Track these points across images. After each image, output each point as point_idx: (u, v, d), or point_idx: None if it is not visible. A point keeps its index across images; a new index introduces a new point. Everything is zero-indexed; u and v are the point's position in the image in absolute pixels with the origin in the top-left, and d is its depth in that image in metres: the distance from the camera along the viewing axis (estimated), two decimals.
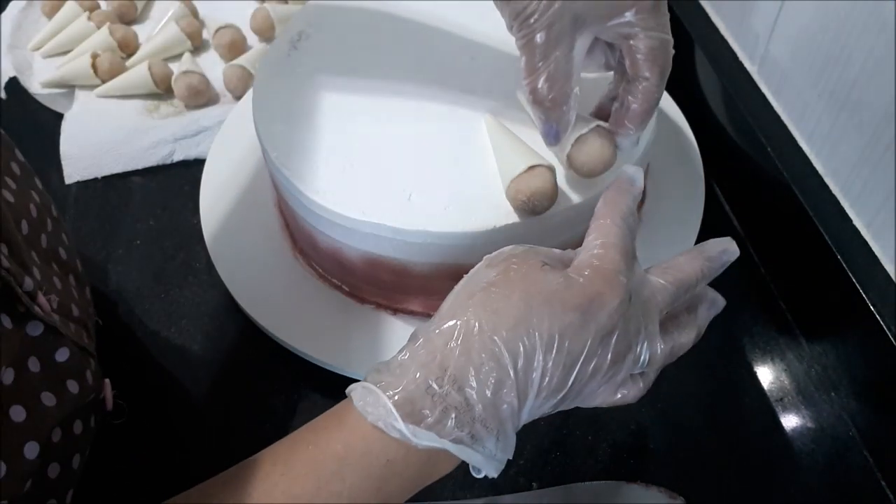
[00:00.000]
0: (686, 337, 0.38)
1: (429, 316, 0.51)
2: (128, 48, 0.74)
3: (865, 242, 0.49)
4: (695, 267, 0.38)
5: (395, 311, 0.52)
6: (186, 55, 0.72)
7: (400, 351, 0.34)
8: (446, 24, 0.56)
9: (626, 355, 0.34)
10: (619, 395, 0.36)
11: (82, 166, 0.66)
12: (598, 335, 0.33)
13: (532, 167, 0.42)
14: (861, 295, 0.47)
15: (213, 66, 0.73)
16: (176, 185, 0.65)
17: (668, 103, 0.62)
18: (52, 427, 0.35)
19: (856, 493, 0.48)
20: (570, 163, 0.43)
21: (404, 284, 0.49)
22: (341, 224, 0.47)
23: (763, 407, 0.51)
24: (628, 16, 0.39)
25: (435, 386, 0.32)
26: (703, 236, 0.55)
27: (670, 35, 0.40)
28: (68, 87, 0.72)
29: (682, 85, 0.63)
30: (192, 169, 0.65)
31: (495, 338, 0.32)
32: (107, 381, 0.44)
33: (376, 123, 0.50)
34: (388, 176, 0.47)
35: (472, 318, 0.33)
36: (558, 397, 0.33)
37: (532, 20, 0.39)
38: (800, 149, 0.54)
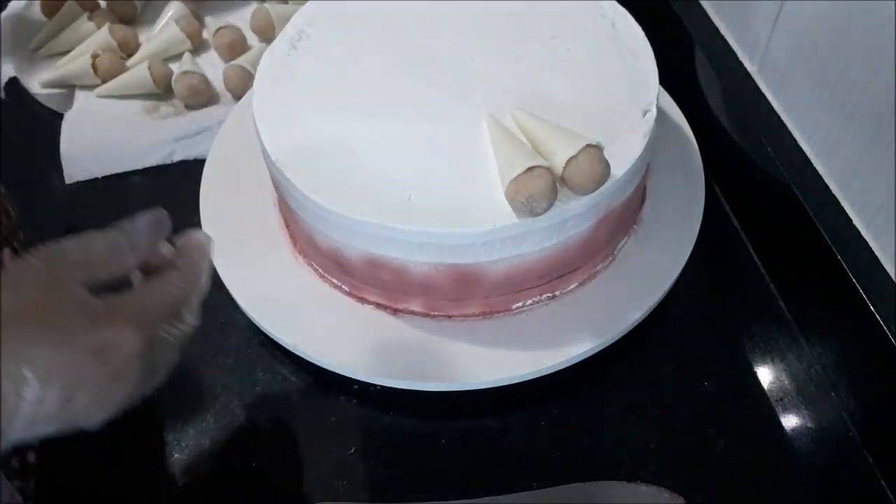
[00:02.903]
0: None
1: (429, 316, 0.52)
2: (128, 48, 0.74)
3: (865, 242, 0.49)
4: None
5: (395, 311, 0.52)
6: (186, 55, 0.72)
7: None
8: (447, 25, 0.56)
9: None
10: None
11: (82, 166, 0.66)
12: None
13: (531, 168, 0.42)
14: (861, 295, 0.47)
15: (213, 66, 0.73)
16: (176, 185, 0.65)
17: (668, 103, 0.62)
18: None
19: (856, 493, 0.48)
20: (565, 183, 0.44)
21: (404, 284, 0.49)
22: (341, 224, 0.47)
23: (763, 407, 0.51)
24: None
25: None
26: (703, 236, 0.55)
27: None
28: (68, 87, 0.72)
29: (682, 85, 0.63)
30: (192, 169, 0.64)
31: None
32: (5, 250, 0.45)
33: (376, 123, 0.50)
34: (388, 176, 0.47)
35: None
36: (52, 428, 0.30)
37: None
38: (800, 149, 0.54)
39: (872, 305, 0.46)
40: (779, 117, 0.56)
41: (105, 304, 0.33)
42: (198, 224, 0.57)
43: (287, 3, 0.76)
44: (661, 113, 0.51)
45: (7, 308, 0.30)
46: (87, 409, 0.31)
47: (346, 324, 0.52)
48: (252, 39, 0.75)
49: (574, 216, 0.46)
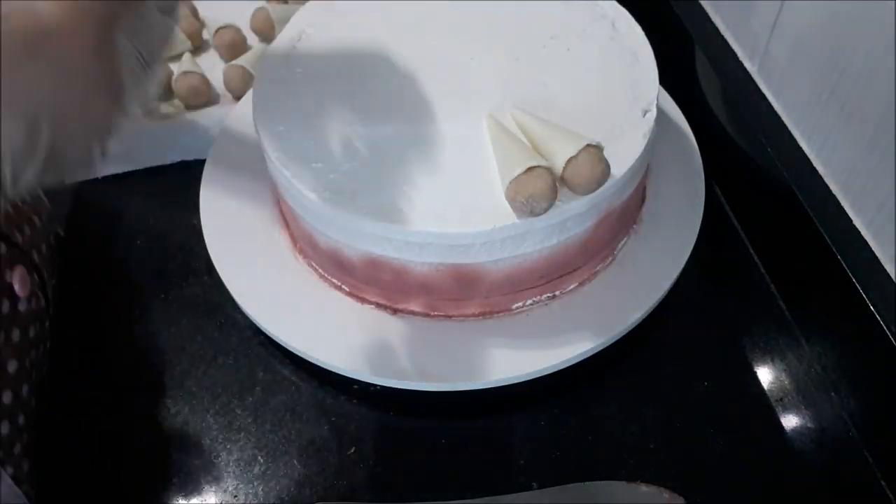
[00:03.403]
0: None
1: (429, 316, 0.52)
2: None
3: (865, 242, 0.49)
4: None
5: (395, 311, 0.52)
6: (186, 55, 0.72)
7: None
8: (446, 25, 0.56)
9: None
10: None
11: None
12: None
13: (531, 168, 0.42)
14: (861, 295, 0.47)
15: (213, 66, 0.73)
16: (176, 185, 0.65)
17: (668, 103, 0.62)
18: None
19: (856, 493, 0.48)
20: (565, 183, 0.44)
21: (404, 284, 0.49)
22: (341, 224, 0.47)
23: (763, 407, 0.51)
24: None
25: None
26: (703, 236, 0.55)
27: None
28: None
29: (682, 85, 0.63)
30: (192, 169, 0.64)
31: None
32: (19, 267, 0.45)
33: (376, 123, 0.50)
34: (388, 176, 0.47)
35: None
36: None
37: None
38: (800, 149, 0.54)
39: (872, 305, 0.46)
40: (779, 117, 0.56)
41: None
42: (198, 224, 0.57)
43: (287, 3, 0.76)
44: (661, 113, 0.51)
45: None
46: (62, 141, 0.27)
47: (346, 324, 0.52)
48: (252, 39, 0.75)
49: (574, 216, 0.46)
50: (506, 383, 0.49)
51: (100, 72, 0.28)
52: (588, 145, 0.43)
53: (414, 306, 0.52)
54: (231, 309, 0.55)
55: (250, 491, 0.48)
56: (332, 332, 0.51)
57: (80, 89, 0.27)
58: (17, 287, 0.45)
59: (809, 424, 0.50)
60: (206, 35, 0.76)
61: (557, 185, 0.43)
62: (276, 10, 0.74)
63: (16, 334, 0.44)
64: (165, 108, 0.70)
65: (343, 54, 0.54)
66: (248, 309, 0.53)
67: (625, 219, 0.53)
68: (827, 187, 0.52)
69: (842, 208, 0.51)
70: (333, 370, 0.50)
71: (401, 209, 0.45)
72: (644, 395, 0.52)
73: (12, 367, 0.42)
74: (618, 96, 0.50)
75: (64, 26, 0.26)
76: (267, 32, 0.74)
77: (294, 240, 0.56)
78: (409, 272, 0.48)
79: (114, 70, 0.29)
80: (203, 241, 0.56)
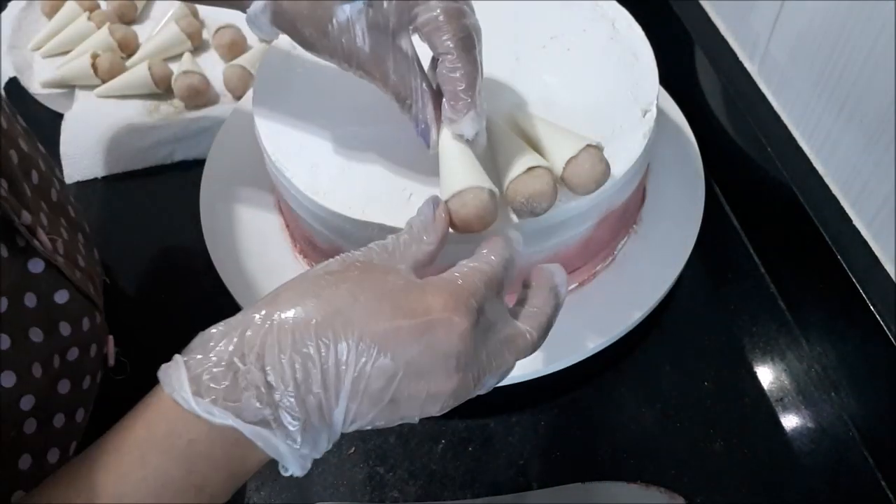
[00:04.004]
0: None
1: None
2: (128, 48, 0.74)
3: (865, 242, 0.49)
4: (550, 305, 0.37)
5: None
6: (186, 55, 0.72)
7: (224, 321, 0.32)
8: None
9: (472, 386, 0.33)
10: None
11: (82, 166, 0.66)
12: (432, 352, 0.31)
13: (531, 168, 0.42)
14: (861, 295, 0.47)
15: (213, 66, 0.73)
16: (176, 185, 0.65)
17: (668, 103, 0.62)
18: (32, 362, 0.36)
19: (856, 493, 0.48)
20: (565, 183, 0.44)
21: None
22: (341, 224, 0.47)
23: (763, 407, 0.51)
24: (413, 2, 0.38)
25: (238, 363, 0.30)
26: (703, 236, 0.55)
27: (459, 3, 0.39)
28: (68, 87, 0.72)
29: (682, 85, 0.63)
30: (192, 169, 0.65)
31: (311, 322, 0.30)
32: (110, 337, 0.45)
33: (376, 123, 0.50)
34: (388, 176, 0.47)
35: (296, 299, 0.31)
36: (381, 406, 0.31)
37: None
38: (800, 149, 0.54)
39: (872, 305, 0.46)
40: (779, 117, 0.56)
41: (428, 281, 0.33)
42: (198, 224, 0.57)
43: None
44: (661, 113, 0.51)
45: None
46: (406, 399, 0.31)
47: None
48: (252, 39, 0.75)
49: (574, 216, 0.46)
50: (506, 383, 0.49)
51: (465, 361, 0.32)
52: (588, 145, 0.43)
53: None
54: (231, 309, 0.55)
55: (251, 491, 0.48)
56: None
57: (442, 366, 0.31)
58: (110, 359, 0.45)
59: (809, 424, 0.50)
60: (206, 35, 0.76)
61: (557, 185, 0.43)
62: None
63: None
64: (165, 108, 0.70)
65: None
66: None
67: (625, 219, 0.53)
68: (827, 187, 0.52)
69: (842, 208, 0.51)
70: None
71: (401, 209, 0.45)
72: (644, 395, 0.52)
73: (80, 416, 0.42)
74: (618, 96, 0.50)
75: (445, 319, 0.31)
76: None
77: (294, 240, 0.56)
78: None
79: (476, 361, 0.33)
80: (203, 241, 0.56)
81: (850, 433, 0.50)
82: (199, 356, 0.31)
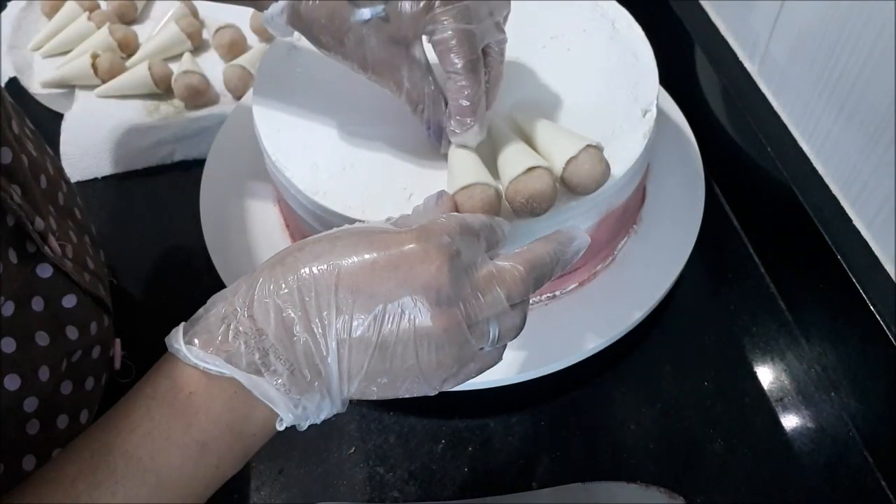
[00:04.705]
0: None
1: None
2: (128, 48, 0.74)
3: (865, 242, 0.49)
4: (547, 249, 0.36)
5: None
6: (186, 55, 0.72)
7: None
8: None
9: (466, 327, 0.33)
10: (464, 372, 0.34)
11: (82, 166, 0.66)
12: (411, 286, 0.31)
13: (531, 168, 0.42)
14: (861, 295, 0.47)
15: (213, 66, 0.73)
16: (176, 185, 0.65)
17: (668, 103, 0.62)
18: (38, 365, 0.36)
19: (856, 493, 0.48)
20: (565, 184, 0.44)
21: None
22: (341, 224, 0.46)
23: (763, 407, 0.51)
24: (429, 17, 0.40)
25: (231, 315, 0.32)
26: (703, 236, 0.55)
27: (470, 24, 0.40)
28: (68, 87, 0.72)
29: (682, 85, 0.63)
30: (192, 169, 0.65)
31: (297, 273, 0.32)
32: (117, 340, 0.45)
33: (376, 123, 0.50)
34: (388, 176, 0.47)
35: (283, 255, 0.33)
36: (372, 352, 0.32)
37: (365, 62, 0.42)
38: (800, 149, 0.54)
39: (872, 305, 0.46)
40: (779, 117, 0.56)
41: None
42: (198, 224, 0.57)
43: None
44: (661, 113, 0.51)
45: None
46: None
47: None
48: (252, 39, 0.75)
49: (574, 216, 0.46)
50: (506, 383, 0.49)
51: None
52: (588, 145, 0.43)
53: None
54: None
55: (251, 491, 0.48)
56: None
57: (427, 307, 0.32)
58: (116, 362, 0.45)
59: (809, 424, 0.50)
60: (206, 35, 0.76)
61: (557, 185, 0.43)
62: None
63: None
64: (165, 108, 0.70)
65: None
66: None
67: (625, 219, 0.53)
68: (827, 187, 0.52)
69: (842, 208, 0.51)
70: None
71: (401, 209, 0.45)
72: (644, 395, 0.52)
73: (84, 417, 0.42)
74: (618, 96, 0.50)
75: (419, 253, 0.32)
76: (267, 33, 0.74)
77: (294, 239, 0.56)
78: None
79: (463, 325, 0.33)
80: (203, 240, 0.56)
81: (850, 433, 0.50)
82: (201, 315, 0.33)
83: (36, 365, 0.36)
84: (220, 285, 0.54)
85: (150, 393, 0.32)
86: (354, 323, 0.31)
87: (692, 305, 0.57)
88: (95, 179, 0.66)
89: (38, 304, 0.37)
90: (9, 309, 0.35)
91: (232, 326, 0.32)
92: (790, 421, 0.51)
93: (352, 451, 0.50)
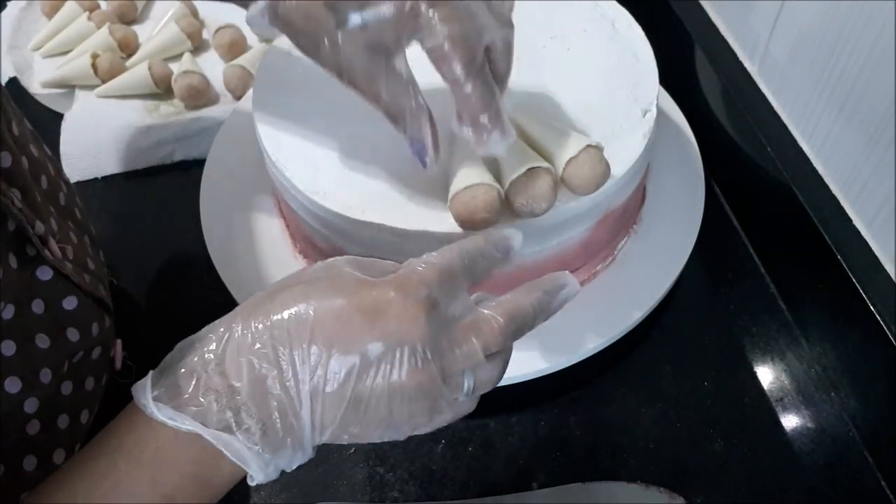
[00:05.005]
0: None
1: None
2: (128, 48, 0.73)
3: (865, 242, 0.49)
4: (529, 299, 0.35)
5: None
6: (186, 55, 0.72)
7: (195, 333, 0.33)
8: None
9: (441, 381, 0.32)
10: (436, 420, 0.34)
11: (82, 166, 0.66)
12: (386, 340, 0.31)
13: (531, 168, 0.42)
14: (861, 295, 0.47)
15: (213, 66, 0.73)
16: (176, 185, 0.65)
17: (668, 103, 0.62)
18: (40, 367, 0.36)
19: (856, 493, 0.48)
20: (565, 184, 0.44)
21: None
22: (341, 224, 0.47)
23: (763, 407, 0.51)
24: (416, 24, 0.37)
25: (201, 369, 0.31)
26: (703, 236, 0.55)
27: (464, 24, 0.37)
28: (68, 87, 0.72)
29: (682, 85, 0.63)
30: (192, 169, 0.65)
31: (270, 324, 0.31)
32: (118, 341, 0.45)
33: (376, 123, 0.50)
34: (388, 176, 0.47)
35: (253, 305, 0.32)
36: (346, 406, 0.31)
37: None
38: (800, 149, 0.54)
39: (872, 305, 0.46)
40: (779, 117, 0.56)
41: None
42: (198, 224, 0.57)
43: None
44: (661, 113, 0.51)
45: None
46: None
47: None
48: (252, 39, 0.75)
49: (574, 216, 0.46)
50: (506, 383, 0.49)
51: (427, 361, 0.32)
52: (588, 145, 0.43)
53: None
54: (230, 309, 0.55)
55: (251, 491, 0.48)
56: None
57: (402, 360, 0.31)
58: (117, 363, 0.45)
59: (809, 424, 0.50)
60: (206, 35, 0.76)
61: (557, 185, 0.43)
62: None
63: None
64: (165, 108, 0.70)
65: None
66: None
67: (625, 219, 0.53)
68: (827, 187, 0.52)
69: (842, 208, 0.51)
70: None
71: (401, 209, 0.45)
72: (644, 395, 0.52)
73: (84, 417, 0.42)
74: (618, 96, 0.50)
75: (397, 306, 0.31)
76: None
77: (294, 240, 0.56)
78: None
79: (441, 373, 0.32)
80: (203, 241, 0.56)
81: (850, 433, 0.50)
82: (169, 366, 0.32)
83: (37, 367, 0.36)
84: (220, 285, 0.54)
85: (115, 445, 0.31)
86: (329, 377, 0.30)
87: (692, 305, 0.57)
88: (95, 179, 0.66)
89: (38, 306, 0.37)
90: (9, 312, 0.35)
91: (203, 381, 0.31)
92: (790, 421, 0.51)
93: (352, 451, 0.50)
